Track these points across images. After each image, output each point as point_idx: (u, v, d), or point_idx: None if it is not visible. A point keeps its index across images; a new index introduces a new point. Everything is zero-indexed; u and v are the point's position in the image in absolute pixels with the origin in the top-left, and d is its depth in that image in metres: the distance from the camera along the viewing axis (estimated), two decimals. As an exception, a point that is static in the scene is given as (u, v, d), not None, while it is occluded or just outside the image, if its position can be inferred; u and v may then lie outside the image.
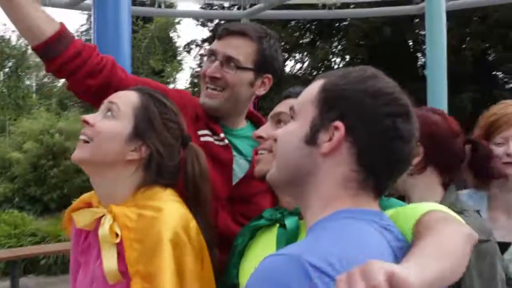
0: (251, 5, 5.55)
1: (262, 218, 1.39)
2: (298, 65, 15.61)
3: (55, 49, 1.50)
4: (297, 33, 14.51)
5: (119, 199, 1.32)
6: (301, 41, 14.72)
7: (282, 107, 1.41)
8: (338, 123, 0.93)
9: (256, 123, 1.73)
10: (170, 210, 1.28)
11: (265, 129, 1.40)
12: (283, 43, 13.80)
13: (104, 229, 1.27)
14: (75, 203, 1.43)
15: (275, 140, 1.05)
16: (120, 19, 2.03)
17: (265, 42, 1.63)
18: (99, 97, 1.52)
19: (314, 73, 13.95)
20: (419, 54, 14.09)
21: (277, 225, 1.34)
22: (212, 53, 1.63)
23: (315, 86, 1.00)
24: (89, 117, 1.34)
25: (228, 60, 1.59)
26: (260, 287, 0.83)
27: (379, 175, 0.96)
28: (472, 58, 11.85)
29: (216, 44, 1.63)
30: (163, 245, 1.22)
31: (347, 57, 14.57)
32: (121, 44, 2.02)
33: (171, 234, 1.23)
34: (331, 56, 14.78)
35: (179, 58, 18.26)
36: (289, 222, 1.29)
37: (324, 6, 5.79)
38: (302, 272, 0.80)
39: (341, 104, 0.95)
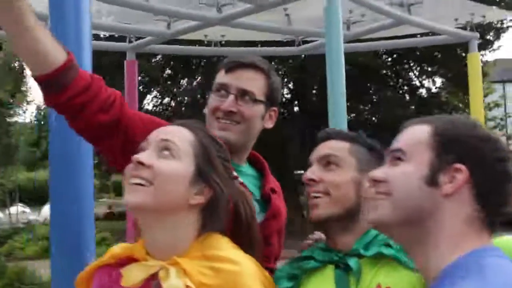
0: (137, 38, 5.33)
1: (312, 260, 1.36)
2: (159, 100, 15.46)
3: (64, 80, 1.35)
4: (161, 67, 14.43)
5: (179, 250, 1.19)
6: (164, 75, 14.67)
7: (326, 148, 1.39)
8: (461, 166, 1.00)
9: (255, 161, 1.69)
10: (248, 262, 1.20)
11: (315, 172, 1.36)
12: (146, 77, 13.57)
13: (173, 284, 1.13)
14: (101, 260, 1.26)
15: (381, 181, 1.06)
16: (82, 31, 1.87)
17: (273, 75, 1.64)
18: (108, 135, 1.45)
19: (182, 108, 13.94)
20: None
21: (330, 266, 1.34)
22: (222, 87, 1.58)
23: (423, 131, 1.06)
24: (143, 157, 1.17)
25: (243, 94, 1.57)
26: None
27: (495, 214, 1.04)
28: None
29: (225, 78, 1.59)
30: None
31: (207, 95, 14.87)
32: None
33: (261, 285, 1.19)
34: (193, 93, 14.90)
35: (24, 88, 17.06)
36: (353, 263, 1.29)
37: (210, 43, 5.80)
38: None
39: (458, 147, 1.03)
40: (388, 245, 1.31)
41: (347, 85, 3.74)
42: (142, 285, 1.18)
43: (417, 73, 16.36)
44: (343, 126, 3.58)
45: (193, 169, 1.21)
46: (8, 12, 1.23)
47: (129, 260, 1.23)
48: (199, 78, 14.74)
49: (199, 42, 6.87)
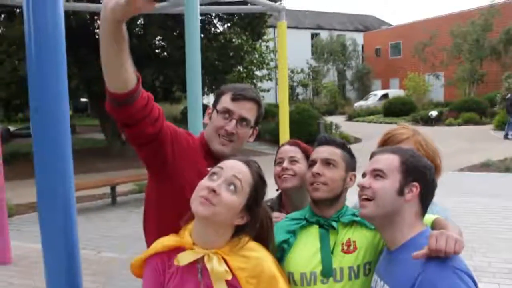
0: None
1: (305, 220, 1.90)
2: None
3: (132, 99, 1.61)
4: None
5: (218, 245, 1.61)
6: None
7: (327, 153, 1.91)
8: (416, 184, 1.62)
9: None
10: (264, 251, 1.67)
11: (319, 168, 1.88)
12: None
13: (216, 267, 1.55)
14: (155, 249, 1.64)
15: (367, 188, 1.63)
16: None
17: (262, 104, 2.03)
18: (150, 142, 1.76)
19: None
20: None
21: (315, 226, 1.88)
22: (227, 111, 1.93)
23: (395, 159, 1.65)
24: (216, 186, 1.55)
25: (242, 120, 1.94)
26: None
27: (426, 208, 1.67)
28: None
29: (231, 105, 1.93)
30: (278, 276, 1.65)
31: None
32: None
33: (276, 267, 1.68)
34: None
35: None
36: (335, 224, 1.86)
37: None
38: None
39: (415, 173, 1.63)
40: (354, 215, 1.87)
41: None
42: (189, 266, 1.57)
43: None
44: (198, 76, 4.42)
45: (244, 203, 1.60)
46: (119, 29, 1.46)
47: (178, 248, 1.61)
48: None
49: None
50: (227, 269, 1.56)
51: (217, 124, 1.94)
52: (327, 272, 1.80)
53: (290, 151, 2.19)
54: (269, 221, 1.73)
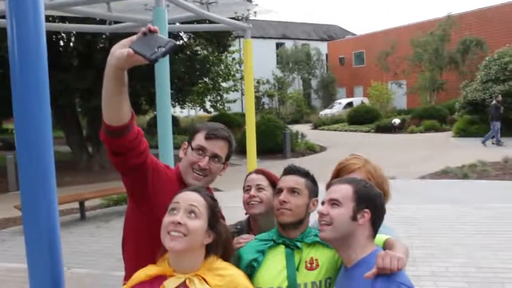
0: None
1: (272, 241, 2.11)
2: None
3: (125, 131, 1.82)
4: None
5: (195, 267, 1.82)
6: None
7: (293, 182, 2.13)
8: (367, 210, 1.85)
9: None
10: (235, 268, 1.90)
11: (286, 196, 2.09)
12: None
13: (199, 287, 1.76)
14: (139, 277, 1.83)
15: (325, 215, 1.86)
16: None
17: (233, 142, 2.24)
18: (133, 171, 1.96)
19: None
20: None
21: (282, 246, 2.09)
22: (201, 149, 2.13)
23: (347, 188, 1.88)
24: (180, 219, 1.76)
25: (214, 157, 2.14)
26: None
27: (376, 231, 1.91)
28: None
29: (205, 143, 2.13)
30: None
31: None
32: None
33: (249, 282, 1.90)
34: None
35: None
36: (300, 244, 2.08)
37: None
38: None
39: (367, 201, 1.87)
40: (316, 235, 2.04)
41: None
42: None
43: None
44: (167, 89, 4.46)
45: (206, 223, 1.82)
46: (121, 75, 1.69)
47: (159, 276, 1.80)
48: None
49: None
50: (208, 287, 1.77)
51: (191, 159, 2.14)
52: (292, 286, 2.00)
53: (257, 179, 2.40)
54: (230, 235, 1.97)
